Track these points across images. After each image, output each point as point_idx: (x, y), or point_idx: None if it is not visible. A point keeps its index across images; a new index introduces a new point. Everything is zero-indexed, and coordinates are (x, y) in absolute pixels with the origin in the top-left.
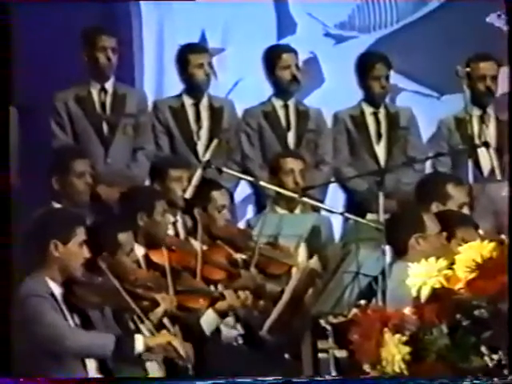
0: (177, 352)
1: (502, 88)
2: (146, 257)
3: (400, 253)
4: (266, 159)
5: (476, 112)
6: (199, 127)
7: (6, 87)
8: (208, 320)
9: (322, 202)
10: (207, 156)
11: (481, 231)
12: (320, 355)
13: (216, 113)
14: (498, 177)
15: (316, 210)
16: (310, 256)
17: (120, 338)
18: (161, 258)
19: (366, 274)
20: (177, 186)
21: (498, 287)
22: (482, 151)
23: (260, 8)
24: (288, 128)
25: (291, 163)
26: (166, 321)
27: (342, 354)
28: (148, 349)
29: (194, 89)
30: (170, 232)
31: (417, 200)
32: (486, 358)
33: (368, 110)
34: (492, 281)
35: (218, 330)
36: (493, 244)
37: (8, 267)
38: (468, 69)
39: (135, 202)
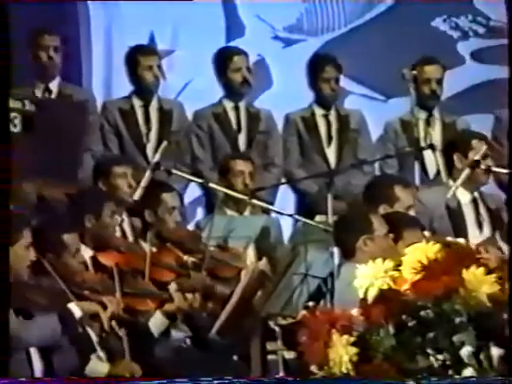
0: (102, 324)
1: (447, 91)
2: (94, 259)
3: (348, 254)
4: (217, 161)
5: (422, 115)
6: (149, 129)
7: None
8: (156, 322)
9: (271, 203)
10: (156, 158)
11: (426, 233)
12: (269, 357)
13: (166, 115)
14: (444, 179)
15: (266, 211)
16: (259, 258)
17: (61, 315)
18: (108, 259)
19: (315, 275)
20: (122, 183)
21: (442, 288)
22: (427, 153)
23: (209, 10)
24: (239, 130)
25: (241, 165)
26: (113, 323)
27: (290, 355)
28: (84, 313)
29: (144, 90)
30: (118, 233)
31: (365, 202)
32: (432, 359)
33: (319, 111)
34: (437, 282)
35: (167, 332)
36: (438, 245)
37: None
38: (414, 72)
39: (83, 203)
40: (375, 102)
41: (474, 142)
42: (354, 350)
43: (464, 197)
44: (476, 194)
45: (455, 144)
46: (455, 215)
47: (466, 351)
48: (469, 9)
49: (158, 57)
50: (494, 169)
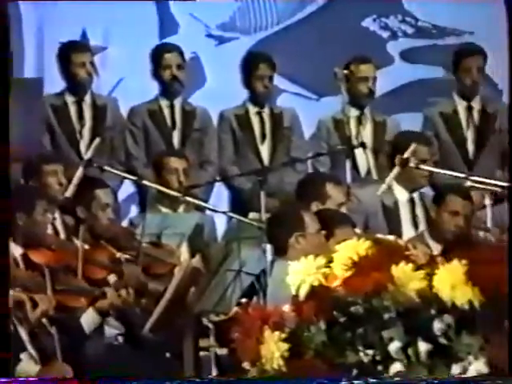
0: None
1: (377, 90)
2: (25, 256)
3: (281, 251)
4: (151, 158)
5: (353, 113)
6: (82, 125)
7: None
8: (88, 319)
9: (206, 201)
10: (89, 154)
11: (358, 230)
12: (201, 353)
13: (99, 111)
14: (375, 177)
15: (199, 209)
16: (192, 255)
17: None
18: (40, 257)
19: (248, 272)
20: (52, 181)
21: (372, 284)
22: (359, 152)
23: (142, 7)
24: (173, 127)
25: (175, 162)
26: (44, 321)
27: (222, 352)
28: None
29: (77, 87)
30: (50, 231)
31: (297, 199)
32: (361, 354)
33: (252, 109)
34: (367, 278)
35: (99, 329)
36: (368, 242)
37: None
38: (346, 71)
39: (14, 201)
40: (308, 100)
41: (409, 142)
42: (285, 346)
43: (401, 195)
44: (415, 194)
45: (395, 144)
46: (391, 213)
47: (394, 346)
48: (398, 9)
49: (91, 53)
50: (422, 166)
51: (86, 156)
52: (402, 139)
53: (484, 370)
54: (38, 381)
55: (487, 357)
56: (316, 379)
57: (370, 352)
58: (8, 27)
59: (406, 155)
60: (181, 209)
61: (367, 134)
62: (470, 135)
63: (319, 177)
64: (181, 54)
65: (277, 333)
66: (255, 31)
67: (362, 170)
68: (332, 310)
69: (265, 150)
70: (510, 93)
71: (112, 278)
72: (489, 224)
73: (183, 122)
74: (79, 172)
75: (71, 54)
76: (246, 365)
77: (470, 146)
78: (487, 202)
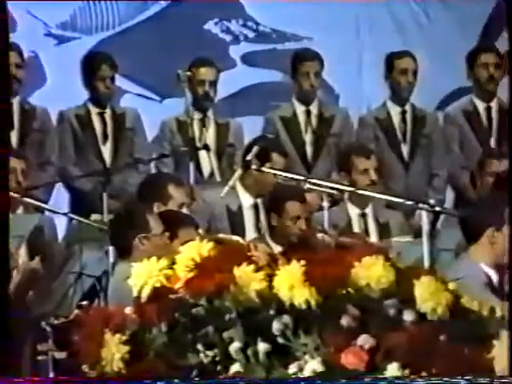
0: None
1: (220, 93)
2: None
3: (124, 253)
4: None
5: (197, 115)
6: None
7: None
8: None
9: (46, 202)
10: None
11: (201, 231)
12: (39, 357)
13: None
14: (218, 179)
15: (39, 210)
16: (31, 257)
17: None
18: None
19: (90, 274)
20: None
21: (214, 285)
22: (202, 154)
23: None
24: (11, 126)
25: (13, 162)
26: None
27: (61, 355)
28: None
29: None
30: None
31: (139, 200)
32: (202, 355)
33: (94, 110)
34: (209, 279)
35: None
36: (211, 243)
37: None
38: (189, 73)
39: None
40: (151, 101)
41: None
42: (126, 348)
43: (246, 200)
44: (259, 199)
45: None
46: (235, 216)
47: (234, 347)
48: (240, 13)
49: None
50: (264, 169)
51: None
52: (251, 143)
53: (319, 368)
54: (38, 381)
55: (322, 356)
56: (308, 379)
57: (211, 353)
58: (8, 27)
59: (248, 157)
60: (20, 210)
61: (210, 136)
62: (308, 139)
63: (161, 178)
64: (19, 52)
65: (118, 335)
66: (97, 31)
67: (206, 172)
68: (174, 312)
69: (107, 151)
70: (510, 93)
71: None
72: (326, 226)
73: (21, 122)
74: None
75: None
76: (85, 368)
77: (309, 149)
78: (324, 204)
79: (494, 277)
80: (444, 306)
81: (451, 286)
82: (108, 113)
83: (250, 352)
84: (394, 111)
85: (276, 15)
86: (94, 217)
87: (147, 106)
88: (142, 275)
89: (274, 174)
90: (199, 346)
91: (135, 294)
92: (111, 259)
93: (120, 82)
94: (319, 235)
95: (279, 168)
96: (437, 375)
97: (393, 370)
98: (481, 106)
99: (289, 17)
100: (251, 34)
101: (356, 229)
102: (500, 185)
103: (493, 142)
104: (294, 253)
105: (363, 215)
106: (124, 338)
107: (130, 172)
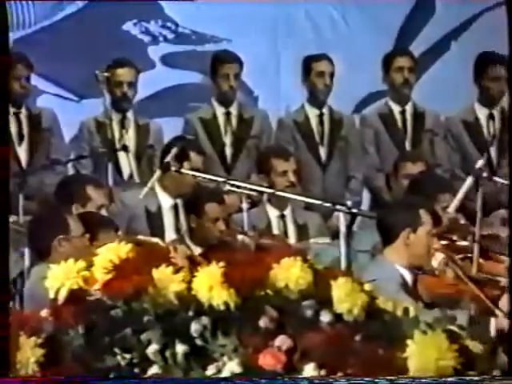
0: None
1: (140, 94)
2: None
3: (43, 255)
4: None
5: (116, 116)
6: None
7: None
8: None
9: None
10: None
11: (120, 233)
12: None
13: None
14: (137, 180)
15: None
16: None
17: None
18: None
19: None
20: None
21: (133, 287)
22: (122, 155)
23: None
24: None
25: None
26: None
27: None
28: None
29: None
30: None
31: (58, 202)
32: (119, 357)
33: (9, 110)
34: (128, 281)
35: None
36: (130, 245)
37: None
38: (107, 74)
39: None
40: (69, 101)
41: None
42: (41, 351)
43: (165, 201)
44: (179, 200)
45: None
46: (154, 218)
47: (152, 349)
48: (159, 14)
49: None
50: (183, 170)
51: None
52: (169, 144)
53: (237, 370)
54: (38, 381)
55: (240, 357)
56: (309, 378)
57: (128, 356)
58: (7, 26)
59: (167, 159)
60: None
61: (130, 137)
62: (227, 140)
63: (79, 179)
64: None
65: (33, 338)
66: (12, 30)
67: (125, 173)
68: (91, 314)
69: (22, 152)
70: (511, 94)
71: None
72: (245, 227)
73: None
74: None
75: None
76: None
77: (228, 151)
78: (244, 205)
79: (409, 278)
80: (360, 306)
81: (367, 287)
82: (23, 113)
83: (168, 354)
84: (312, 114)
85: (195, 16)
86: (11, 218)
87: (65, 107)
88: (59, 277)
89: (194, 176)
90: (116, 349)
91: (52, 296)
92: (27, 261)
93: (36, 81)
94: (239, 237)
95: (198, 169)
96: (352, 375)
97: (309, 370)
98: (396, 109)
99: (208, 18)
100: (170, 35)
101: (275, 230)
102: (414, 187)
103: (408, 145)
104: (213, 254)
105: (282, 217)
106: (39, 340)
107: (46, 173)
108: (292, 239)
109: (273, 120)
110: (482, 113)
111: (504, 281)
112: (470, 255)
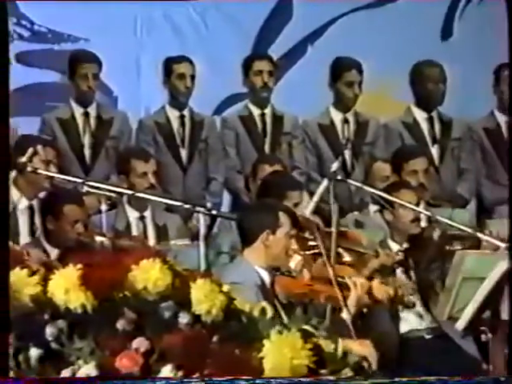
0: None
1: None
2: None
3: None
4: None
5: None
6: None
7: None
8: None
9: None
10: None
11: None
12: None
13: None
14: None
15: None
16: None
17: None
18: None
19: None
20: None
21: None
22: None
23: None
24: None
25: None
26: None
27: None
28: None
29: None
30: None
31: None
32: None
33: None
34: None
35: None
36: None
37: None
38: None
39: None
40: None
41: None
42: None
43: (21, 203)
44: (35, 201)
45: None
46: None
47: None
48: (13, 11)
49: None
50: (40, 171)
51: None
52: (24, 143)
53: (93, 373)
54: (38, 381)
55: (97, 360)
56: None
57: None
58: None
59: (23, 159)
60: None
61: None
62: (86, 141)
63: None
64: None
65: None
66: None
67: None
68: None
69: None
70: (511, 95)
71: None
72: (104, 229)
73: None
74: None
75: None
76: None
77: (87, 152)
78: (103, 207)
79: (267, 278)
80: (218, 307)
81: (225, 288)
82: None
83: (21, 358)
84: (173, 115)
85: (52, 15)
86: None
87: None
88: None
89: (51, 177)
90: None
91: None
92: None
93: None
94: (97, 238)
95: (54, 168)
96: (210, 376)
97: (167, 371)
98: (256, 112)
99: (65, 17)
100: (26, 33)
101: (135, 232)
102: (265, 188)
103: (267, 148)
104: (70, 256)
105: (142, 218)
106: None
107: None
108: (152, 241)
109: (133, 121)
110: (337, 117)
111: (356, 281)
112: (325, 256)
